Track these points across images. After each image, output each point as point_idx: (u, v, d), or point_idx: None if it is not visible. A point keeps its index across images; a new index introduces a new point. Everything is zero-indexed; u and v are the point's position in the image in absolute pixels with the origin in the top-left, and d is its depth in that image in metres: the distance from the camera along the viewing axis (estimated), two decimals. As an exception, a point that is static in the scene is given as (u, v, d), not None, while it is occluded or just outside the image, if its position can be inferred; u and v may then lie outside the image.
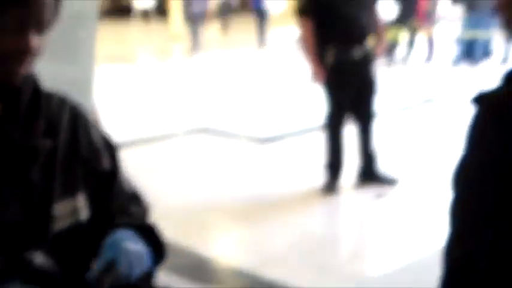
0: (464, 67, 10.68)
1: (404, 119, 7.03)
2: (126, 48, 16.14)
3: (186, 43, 14.45)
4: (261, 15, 14.85)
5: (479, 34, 10.59)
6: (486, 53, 10.99)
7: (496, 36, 10.97)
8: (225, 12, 20.71)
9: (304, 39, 4.40)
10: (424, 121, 6.90)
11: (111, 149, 1.19)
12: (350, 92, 4.46)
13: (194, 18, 13.69)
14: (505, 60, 10.85)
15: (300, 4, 4.42)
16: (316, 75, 4.39)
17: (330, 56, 4.33)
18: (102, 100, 5.21)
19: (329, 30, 4.29)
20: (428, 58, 11.55)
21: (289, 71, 10.92)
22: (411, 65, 11.29)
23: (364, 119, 4.56)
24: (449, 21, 13.32)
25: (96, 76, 2.32)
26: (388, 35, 10.74)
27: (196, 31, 13.83)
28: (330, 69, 4.34)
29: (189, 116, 7.48)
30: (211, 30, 19.47)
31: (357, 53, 4.34)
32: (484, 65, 10.77)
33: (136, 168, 4.65)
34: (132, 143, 6.03)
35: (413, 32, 11.37)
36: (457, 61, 10.84)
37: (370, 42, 4.51)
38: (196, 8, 13.53)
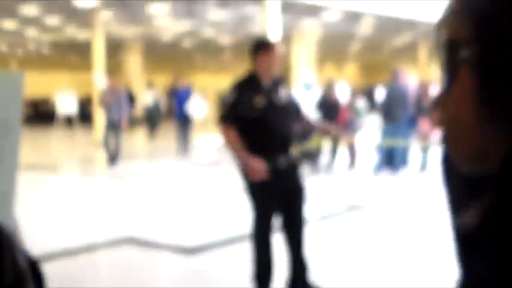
0: (385, 175, 11.00)
1: (329, 227, 7.05)
2: (48, 156, 15.80)
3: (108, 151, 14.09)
4: (184, 121, 14.70)
5: (397, 143, 11.01)
6: (404, 161, 11.41)
7: (413, 145, 11.43)
8: (151, 118, 20.78)
9: (229, 144, 4.35)
10: (348, 229, 6.94)
11: (36, 273, 1.09)
12: (276, 201, 4.43)
13: (113, 126, 12.83)
14: (423, 168, 11.27)
15: (222, 111, 4.42)
16: (256, 171, 4.26)
17: None
18: (23, 211, 4.98)
19: (252, 140, 4.30)
20: (351, 166, 11.86)
21: (213, 178, 10.90)
22: (335, 172, 11.53)
23: (295, 227, 4.51)
24: (370, 130, 13.84)
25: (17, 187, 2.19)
26: (311, 143, 11.05)
27: (117, 139, 12.98)
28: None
29: (113, 225, 7.25)
30: (138, 136, 19.38)
31: (282, 161, 4.35)
32: (404, 173, 11.14)
33: (58, 282, 4.41)
34: (54, 255, 5.74)
35: (335, 140, 11.70)
36: (377, 169, 11.16)
37: (294, 150, 4.56)
38: (115, 115, 12.66)
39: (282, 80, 4.61)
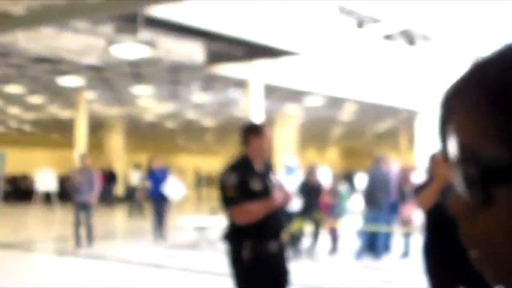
0: (367, 260, 10.84)
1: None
2: (24, 234, 15.46)
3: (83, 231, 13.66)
4: (160, 202, 14.13)
5: (380, 228, 10.93)
6: (387, 247, 11.29)
7: (395, 231, 11.35)
8: (131, 198, 20.62)
9: (248, 216, 4.22)
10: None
11: None
12: (263, 285, 4.31)
13: (84, 207, 12.29)
14: (405, 254, 11.15)
15: (225, 194, 4.25)
16: (282, 199, 4.27)
17: (247, 250, 4.21)
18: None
19: (246, 225, 4.22)
20: (332, 251, 11.70)
21: (192, 261, 10.67)
22: (317, 257, 11.36)
23: None
24: (352, 215, 13.76)
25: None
26: (293, 227, 10.93)
27: (89, 220, 12.38)
28: (246, 263, 4.21)
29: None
30: (117, 215, 19.11)
31: (273, 246, 4.28)
32: (386, 258, 11.00)
33: None
34: None
35: (317, 224, 11.59)
36: (359, 254, 11.02)
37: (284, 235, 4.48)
38: (85, 196, 12.16)
39: (269, 164, 4.59)
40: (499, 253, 0.57)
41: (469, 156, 0.57)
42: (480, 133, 0.57)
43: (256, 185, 4.30)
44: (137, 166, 25.13)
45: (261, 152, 4.39)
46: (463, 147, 0.58)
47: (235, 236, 4.28)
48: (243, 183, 4.25)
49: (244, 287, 4.29)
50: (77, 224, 12.36)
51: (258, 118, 14.80)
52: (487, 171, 0.55)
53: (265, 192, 4.31)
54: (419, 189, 4.82)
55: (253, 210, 4.21)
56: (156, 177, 14.32)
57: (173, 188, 14.47)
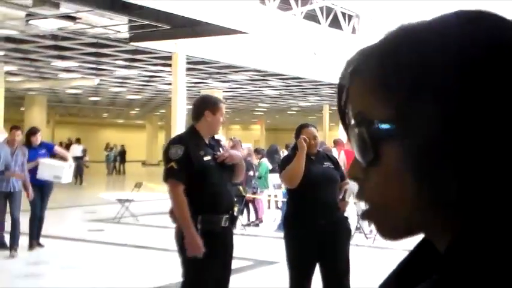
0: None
1: (238, 281, 7.06)
2: None
3: None
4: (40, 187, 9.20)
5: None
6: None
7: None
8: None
9: (178, 207, 4.13)
10: (258, 283, 6.97)
11: None
12: (214, 260, 4.22)
13: None
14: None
15: (169, 166, 4.17)
16: (197, 248, 4.07)
17: (199, 225, 4.14)
18: None
19: (196, 198, 4.14)
20: (255, 222, 11.93)
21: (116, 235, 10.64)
22: (241, 229, 11.60)
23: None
24: (276, 189, 14.05)
25: None
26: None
27: None
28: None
29: None
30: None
31: (224, 221, 4.24)
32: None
33: None
34: None
35: (240, 196, 11.81)
36: (280, 227, 11.29)
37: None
38: None
39: (218, 140, 4.54)
40: (388, 205, 0.63)
41: (360, 120, 0.63)
42: (369, 98, 0.63)
43: (206, 155, 4.22)
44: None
45: (212, 128, 4.35)
46: (356, 114, 0.64)
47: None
48: (188, 156, 4.15)
49: (197, 264, 4.13)
50: None
51: (181, 92, 14.82)
52: (375, 130, 0.62)
53: (215, 165, 4.24)
54: (284, 163, 4.79)
55: (182, 210, 4.09)
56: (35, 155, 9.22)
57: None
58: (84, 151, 25.58)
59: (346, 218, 4.87)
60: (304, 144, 4.62)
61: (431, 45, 0.61)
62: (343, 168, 5.25)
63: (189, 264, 4.15)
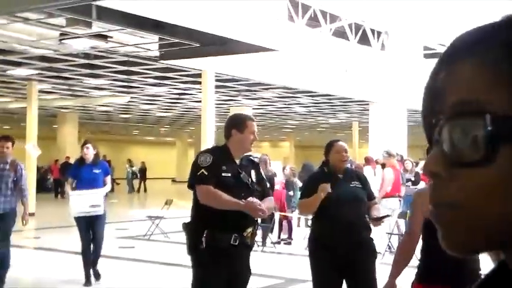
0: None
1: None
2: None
3: None
4: None
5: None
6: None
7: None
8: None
9: (214, 200, 4.16)
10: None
11: None
12: (219, 278, 4.22)
13: None
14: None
15: (196, 173, 4.21)
16: (256, 209, 4.17)
17: (204, 240, 4.15)
18: None
19: (207, 215, 4.17)
20: (287, 240, 11.86)
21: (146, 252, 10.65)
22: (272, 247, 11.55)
23: None
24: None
25: None
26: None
27: None
28: (202, 252, 4.17)
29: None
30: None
31: (232, 239, 4.21)
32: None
33: None
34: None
35: (271, 215, 11.79)
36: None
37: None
38: None
39: (256, 162, 4.57)
40: (483, 213, 0.55)
41: (474, 110, 0.55)
42: (488, 85, 0.55)
43: (227, 172, 4.25)
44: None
45: (241, 146, 4.37)
46: (463, 101, 0.56)
47: (195, 225, 4.25)
48: (215, 165, 4.20)
49: (199, 277, 4.22)
50: None
51: (210, 110, 14.88)
52: (498, 125, 0.53)
53: (235, 182, 4.26)
54: (305, 188, 4.88)
55: (220, 199, 4.15)
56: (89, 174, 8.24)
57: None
58: (112, 169, 25.72)
59: (371, 239, 4.81)
60: (322, 196, 4.61)
61: None
62: (378, 186, 5.29)
63: (194, 277, 4.22)
